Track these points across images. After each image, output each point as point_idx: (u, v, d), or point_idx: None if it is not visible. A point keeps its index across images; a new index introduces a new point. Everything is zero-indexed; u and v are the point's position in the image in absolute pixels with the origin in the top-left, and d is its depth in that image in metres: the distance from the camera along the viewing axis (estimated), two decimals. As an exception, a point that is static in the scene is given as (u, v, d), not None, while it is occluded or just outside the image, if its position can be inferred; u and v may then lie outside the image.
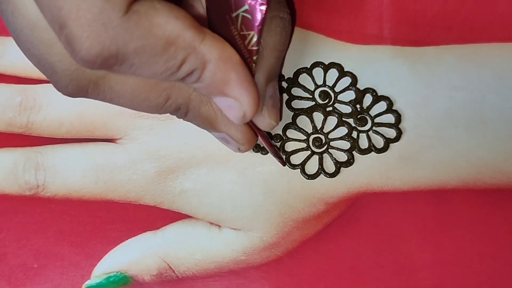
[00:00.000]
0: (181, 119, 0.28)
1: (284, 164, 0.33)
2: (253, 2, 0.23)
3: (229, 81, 0.25)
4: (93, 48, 0.22)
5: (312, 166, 0.33)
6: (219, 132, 0.28)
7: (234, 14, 0.24)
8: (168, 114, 0.33)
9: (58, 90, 0.26)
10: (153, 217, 0.32)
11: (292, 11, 0.27)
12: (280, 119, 0.30)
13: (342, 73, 0.35)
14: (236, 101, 0.25)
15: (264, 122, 0.29)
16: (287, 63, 0.35)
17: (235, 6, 0.24)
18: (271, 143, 0.32)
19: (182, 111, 0.27)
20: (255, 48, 0.25)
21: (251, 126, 0.29)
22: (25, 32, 0.24)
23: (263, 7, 0.23)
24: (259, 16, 0.24)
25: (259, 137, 0.30)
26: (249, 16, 0.24)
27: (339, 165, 0.33)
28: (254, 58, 0.25)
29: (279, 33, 0.27)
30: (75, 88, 0.25)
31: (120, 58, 0.23)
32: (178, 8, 0.24)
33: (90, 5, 0.22)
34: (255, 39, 0.24)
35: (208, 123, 0.28)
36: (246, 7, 0.24)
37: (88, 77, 0.25)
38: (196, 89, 0.26)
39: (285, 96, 0.34)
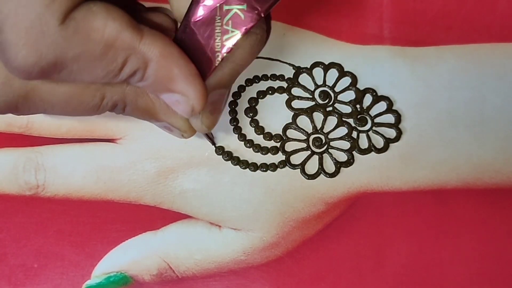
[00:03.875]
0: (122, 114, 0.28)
1: (214, 145, 0.33)
2: (253, 5, 0.24)
3: (173, 76, 0.24)
4: (29, 56, 0.22)
5: (312, 166, 0.33)
6: (160, 121, 0.28)
7: (227, 7, 0.24)
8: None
9: None
10: (153, 217, 0.32)
11: (268, 28, 0.27)
12: (214, 126, 0.29)
13: (342, 73, 0.35)
14: (183, 96, 0.25)
15: (197, 123, 0.28)
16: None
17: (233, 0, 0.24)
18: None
19: (119, 107, 0.27)
20: (231, 46, 0.25)
21: None
22: None
23: (260, 15, 0.24)
24: (251, 21, 0.24)
25: None
26: (242, 15, 0.24)
27: (339, 165, 0.33)
28: (224, 52, 0.25)
29: (246, 48, 0.26)
30: (3, 105, 0.25)
31: (59, 67, 0.23)
32: (116, 8, 0.23)
33: (28, 11, 0.21)
34: (235, 38, 0.24)
35: (148, 114, 0.27)
36: (244, 6, 0.24)
37: (15, 91, 0.24)
38: (141, 87, 0.26)
39: (285, 96, 0.34)
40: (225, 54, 0.25)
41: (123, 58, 0.23)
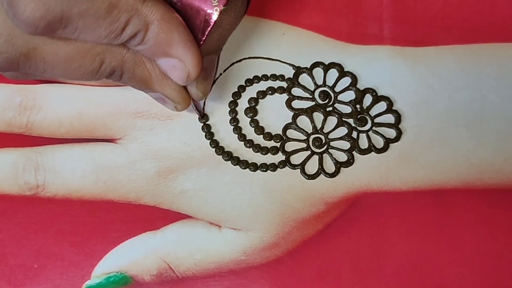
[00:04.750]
0: (127, 86, 0.28)
1: (201, 117, 0.33)
2: None
3: (172, 41, 0.25)
4: (37, 10, 0.22)
5: (312, 166, 0.33)
6: (155, 91, 0.29)
7: None
8: (168, 115, 0.33)
9: None
10: (153, 217, 0.32)
11: None
12: (209, 92, 0.31)
13: (342, 73, 0.35)
14: (180, 61, 0.26)
15: (192, 91, 0.29)
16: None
17: None
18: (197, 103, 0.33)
19: (117, 74, 0.27)
20: None
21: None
22: None
23: None
24: None
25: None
26: None
27: (339, 165, 0.33)
28: (223, 7, 0.26)
29: (230, 13, 0.28)
30: (4, 62, 0.25)
31: (64, 22, 0.23)
32: None
33: None
34: None
35: (143, 84, 0.28)
36: None
37: (18, 49, 0.25)
38: (138, 51, 0.27)
39: (285, 96, 0.34)
40: (223, 8, 0.26)
41: (126, 19, 0.24)
